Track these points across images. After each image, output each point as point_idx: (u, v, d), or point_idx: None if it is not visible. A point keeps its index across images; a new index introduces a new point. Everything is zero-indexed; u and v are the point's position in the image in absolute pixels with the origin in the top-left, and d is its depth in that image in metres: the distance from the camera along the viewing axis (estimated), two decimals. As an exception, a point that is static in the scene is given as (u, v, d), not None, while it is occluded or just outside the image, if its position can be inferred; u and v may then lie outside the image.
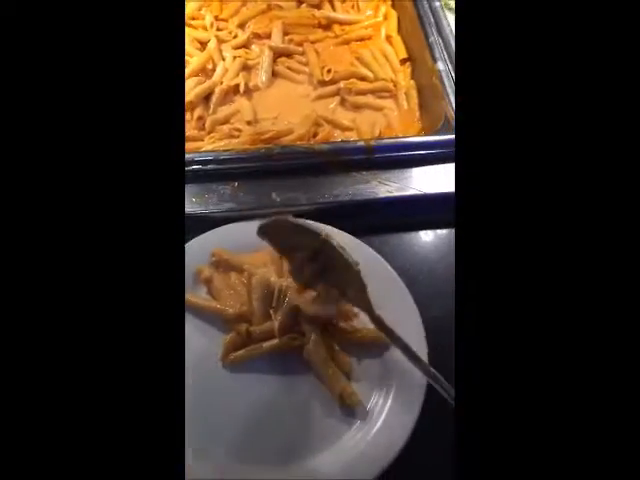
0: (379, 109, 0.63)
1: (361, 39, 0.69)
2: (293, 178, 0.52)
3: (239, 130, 0.58)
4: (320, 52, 0.67)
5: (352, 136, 0.61)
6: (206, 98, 0.62)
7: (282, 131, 0.59)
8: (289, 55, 0.67)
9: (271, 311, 0.43)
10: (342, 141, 0.57)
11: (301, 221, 0.41)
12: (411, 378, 0.40)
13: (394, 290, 0.46)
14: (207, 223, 0.49)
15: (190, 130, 0.58)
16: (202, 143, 0.58)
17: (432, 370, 0.38)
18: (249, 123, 0.60)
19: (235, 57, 0.65)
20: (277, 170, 0.52)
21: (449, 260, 0.53)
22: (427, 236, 0.55)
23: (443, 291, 0.50)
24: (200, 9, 0.70)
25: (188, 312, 0.45)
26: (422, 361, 0.39)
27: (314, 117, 0.60)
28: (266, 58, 0.65)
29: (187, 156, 0.52)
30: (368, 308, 0.40)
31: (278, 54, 0.66)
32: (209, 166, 0.51)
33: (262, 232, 0.41)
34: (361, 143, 0.54)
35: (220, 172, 0.52)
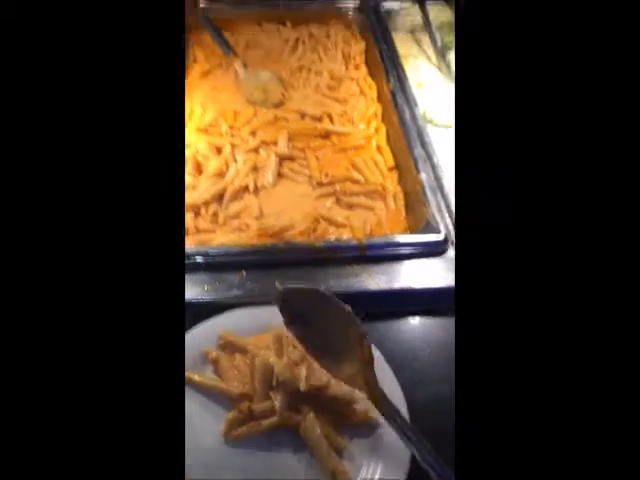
0: (370, 209, 0.71)
1: (355, 148, 0.79)
2: (294, 270, 0.60)
3: (247, 225, 0.66)
4: (320, 158, 0.76)
5: (346, 232, 0.69)
6: (220, 196, 0.70)
7: (285, 226, 0.67)
8: (293, 159, 0.76)
9: (271, 393, 0.48)
10: (337, 239, 0.65)
11: (329, 293, 0.46)
12: (396, 455, 0.45)
13: (381, 375, 0.51)
14: (217, 308, 0.56)
15: (205, 223, 0.66)
16: (215, 235, 0.65)
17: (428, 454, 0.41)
18: (256, 218, 0.68)
19: (246, 160, 0.75)
20: (280, 262, 0.60)
21: (433, 347, 0.59)
22: (413, 324, 0.61)
23: (426, 376, 0.56)
24: (217, 119, 0.80)
25: (195, 390, 0.50)
26: (420, 443, 0.42)
27: (313, 214, 0.69)
28: (273, 162, 0.74)
29: (201, 248, 0.60)
30: (371, 382, 0.44)
31: (283, 158, 0.75)
32: (221, 258, 0.59)
33: (283, 296, 0.46)
34: (354, 242, 0.61)
35: (230, 263, 0.59)
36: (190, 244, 0.64)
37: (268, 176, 0.74)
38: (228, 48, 0.92)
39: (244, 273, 0.59)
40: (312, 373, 0.49)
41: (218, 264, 0.59)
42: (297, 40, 0.96)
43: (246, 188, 0.72)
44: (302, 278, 0.59)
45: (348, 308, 0.46)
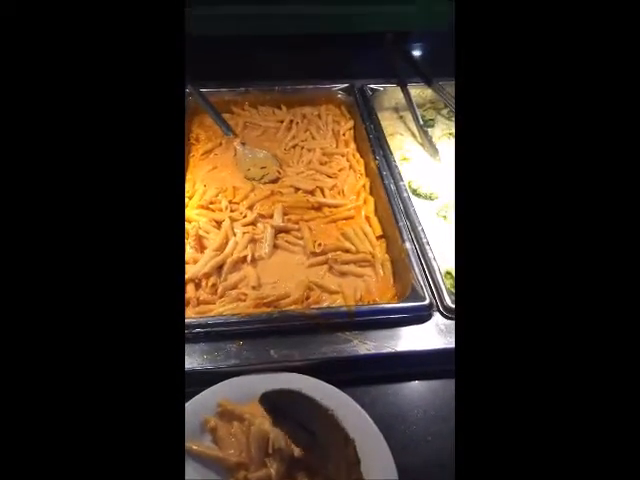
0: (360, 276, 0.76)
1: (345, 218, 0.85)
2: (288, 337, 0.63)
3: (245, 294, 0.71)
4: (313, 229, 0.82)
5: (338, 298, 0.73)
6: (219, 268, 0.75)
7: (280, 295, 0.71)
8: (287, 231, 0.81)
9: (267, 460, 0.50)
10: (328, 307, 0.69)
11: (311, 395, 0.49)
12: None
13: (370, 437, 0.53)
14: (215, 377, 0.59)
15: (204, 295, 0.71)
16: (214, 306, 0.70)
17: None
18: (254, 288, 0.73)
19: (244, 233, 0.80)
20: (276, 330, 0.64)
21: (421, 409, 0.62)
22: (401, 388, 0.64)
23: (415, 438, 0.58)
24: (217, 195, 0.87)
25: (193, 459, 0.52)
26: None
27: (307, 282, 0.74)
28: (269, 234, 0.80)
29: (200, 319, 0.64)
30: None
31: (278, 230, 0.81)
32: (219, 328, 0.63)
33: (266, 400, 0.49)
34: (344, 309, 0.66)
35: (228, 333, 0.63)
36: (191, 315, 0.68)
37: (265, 247, 0.79)
38: (228, 129, 1.00)
39: (241, 342, 0.62)
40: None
41: (217, 334, 0.63)
42: (291, 121, 1.05)
43: (244, 259, 0.77)
44: (296, 345, 0.63)
45: (331, 410, 0.48)
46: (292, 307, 0.69)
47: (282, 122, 1.05)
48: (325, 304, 0.72)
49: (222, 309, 0.68)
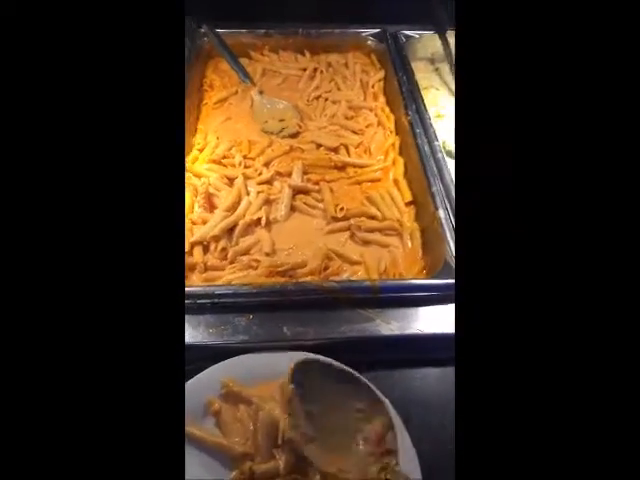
0: (385, 246, 0.69)
1: (371, 181, 0.77)
2: (304, 312, 0.57)
3: (258, 261, 0.64)
4: (334, 191, 0.74)
5: (360, 270, 0.66)
6: (230, 230, 0.68)
7: (296, 264, 0.64)
8: (307, 192, 0.74)
9: (275, 451, 0.45)
10: (350, 280, 0.62)
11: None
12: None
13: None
14: (221, 354, 0.53)
15: (212, 260, 0.64)
16: (223, 272, 0.63)
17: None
18: (267, 254, 0.66)
19: (259, 192, 0.72)
20: (289, 305, 0.57)
21: (445, 397, 0.56)
22: (426, 374, 0.58)
23: (435, 425, 0.52)
24: (231, 149, 0.79)
25: (194, 446, 0.47)
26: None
27: (325, 250, 0.66)
28: (286, 194, 0.72)
29: (207, 288, 0.58)
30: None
31: (297, 191, 0.73)
32: (227, 299, 0.56)
33: (298, 373, 0.45)
34: (367, 283, 0.59)
35: (237, 305, 0.56)
36: (198, 282, 0.62)
37: (281, 209, 0.71)
38: (245, 75, 0.91)
39: (251, 316, 0.56)
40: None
41: (224, 306, 0.56)
42: (315, 69, 0.95)
43: (258, 221, 0.69)
44: (311, 322, 0.56)
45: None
46: (308, 278, 0.62)
47: (305, 70, 0.95)
48: (345, 276, 0.65)
49: (231, 277, 0.62)
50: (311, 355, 0.51)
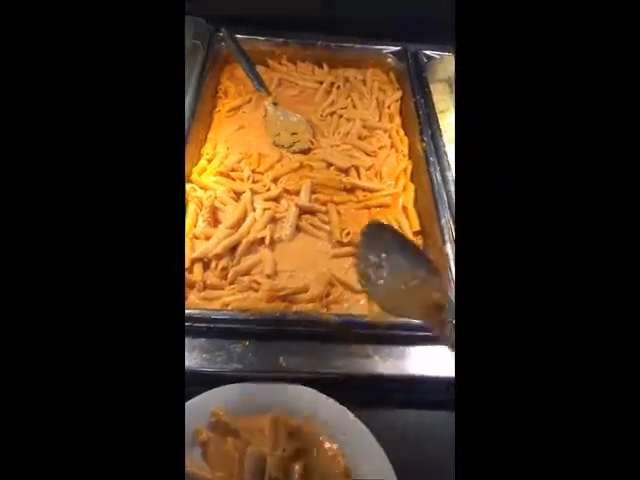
0: (390, 276, 0.67)
1: (380, 206, 0.75)
2: (301, 343, 0.56)
3: (258, 284, 0.63)
4: (342, 214, 0.72)
5: (362, 299, 0.64)
6: (233, 248, 0.66)
7: (298, 288, 0.63)
8: (313, 213, 0.72)
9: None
10: (351, 314, 0.60)
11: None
12: None
13: (378, 466, 0.46)
14: (214, 381, 0.52)
15: (212, 278, 0.63)
16: (222, 292, 0.62)
17: None
18: (269, 277, 0.64)
19: (265, 209, 0.70)
20: (287, 334, 0.56)
21: (438, 442, 0.54)
22: (421, 416, 0.56)
23: (429, 470, 0.50)
24: (240, 161, 0.77)
25: (180, 476, 0.46)
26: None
27: (328, 276, 0.65)
28: (292, 213, 0.70)
29: (204, 312, 0.56)
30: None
31: (303, 211, 0.72)
32: (224, 325, 0.55)
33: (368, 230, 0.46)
34: (367, 319, 0.57)
35: (233, 331, 0.55)
36: (196, 300, 0.61)
37: (286, 228, 0.70)
38: (260, 84, 0.90)
39: (247, 343, 0.55)
40: (308, 474, 0.45)
41: (221, 330, 0.55)
42: (332, 84, 0.93)
43: (262, 240, 0.68)
44: (309, 353, 0.55)
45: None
46: (309, 306, 0.61)
47: (322, 83, 0.93)
48: (346, 305, 0.63)
49: (230, 298, 0.61)
50: (286, 398, 0.50)
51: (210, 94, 0.87)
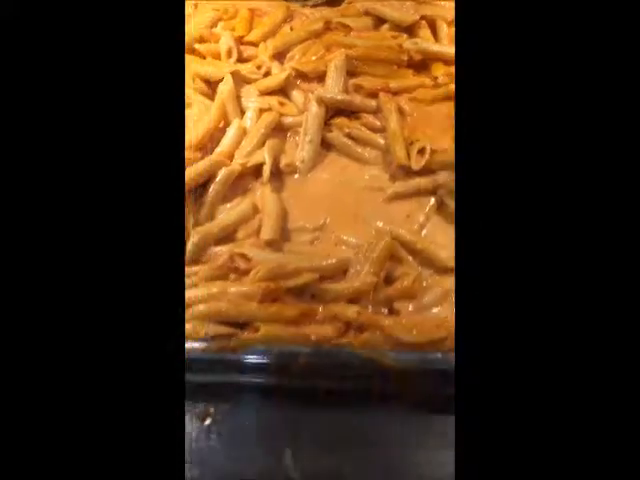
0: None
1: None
2: (328, 411, 0.26)
3: (247, 261, 0.34)
4: (408, 112, 0.45)
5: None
6: (203, 185, 0.40)
7: (328, 267, 0.35)
8: (353, 114, 0.46)
9: None
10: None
11: None
12: None
13: None
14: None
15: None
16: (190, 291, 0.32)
17: None
18: (268, 244, 0.36)
19: (262, 110, 0.44)
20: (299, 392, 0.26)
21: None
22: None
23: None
24: (215, 25, 0.48)
25: None
26: None
27: (389, 241, 0.36)
28: (314, 116, 0.43)
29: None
30: None
31: (334, 111, 0.45)
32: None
33: None
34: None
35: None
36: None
37: (302, 147, 0.43)
38: None
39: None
40: None
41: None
42: None
43: (257, 171, 0.41)
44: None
45: None
46: (349, 312, 0.33)
47: None
48: (426, 299, 0.35)
49: (190, 294, 0.33)
50: None
51: None
